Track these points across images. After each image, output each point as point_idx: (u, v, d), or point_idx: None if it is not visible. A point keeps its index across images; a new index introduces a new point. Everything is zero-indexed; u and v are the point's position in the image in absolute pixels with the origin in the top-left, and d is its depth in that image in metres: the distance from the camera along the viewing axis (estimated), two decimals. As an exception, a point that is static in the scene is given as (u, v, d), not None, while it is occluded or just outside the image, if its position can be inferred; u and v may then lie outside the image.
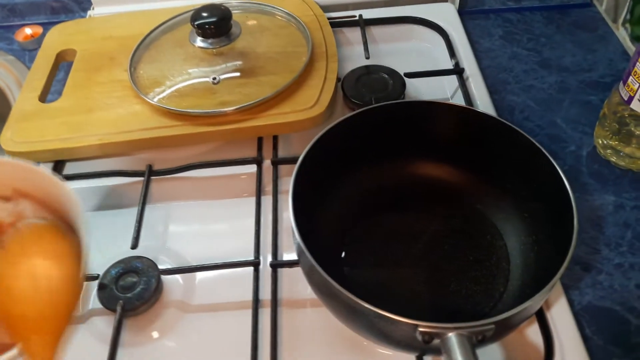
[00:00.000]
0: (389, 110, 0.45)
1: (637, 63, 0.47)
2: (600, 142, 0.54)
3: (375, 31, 0.67)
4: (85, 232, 0.35)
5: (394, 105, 0.46)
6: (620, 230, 0.49)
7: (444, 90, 0.61)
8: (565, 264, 0.35)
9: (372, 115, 0.45)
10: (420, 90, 0.60)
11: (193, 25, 0.55)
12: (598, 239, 0.48)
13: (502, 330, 0.35)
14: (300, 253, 0.37)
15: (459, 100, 0.58)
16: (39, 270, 0.32)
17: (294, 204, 0.39)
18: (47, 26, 0.68)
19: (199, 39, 0.56)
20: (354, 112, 0.45)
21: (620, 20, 0.66)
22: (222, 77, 0.55)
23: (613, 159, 0.53)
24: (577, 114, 0.59)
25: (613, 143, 0.52)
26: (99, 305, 0.44)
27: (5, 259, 0.33)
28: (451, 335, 0.31)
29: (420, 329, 0.32)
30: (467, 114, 0.45)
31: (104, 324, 0.44)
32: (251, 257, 0.46)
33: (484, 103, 0.57)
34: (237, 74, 0.56)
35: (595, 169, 0.54)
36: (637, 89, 0.47)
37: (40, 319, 0.31)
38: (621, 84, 0.50)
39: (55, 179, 0.38)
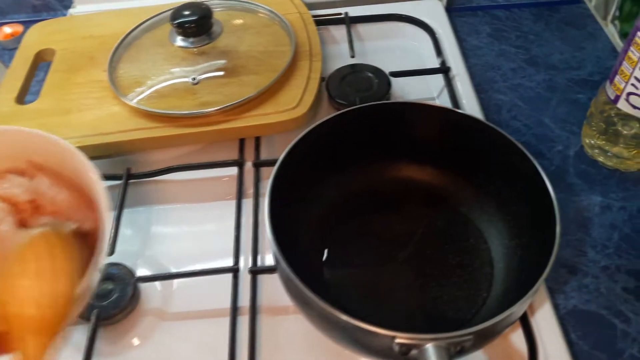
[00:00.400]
0: (371, 111, 0.44)
1: (624, 62, 0.46)
2: (588, 141, 0.53)
3: (361, 29, 0.66)
4: (104, 204, 0.34)
5: (376, 107, 0.45)
6: (607, 232, 0.48)
7: (430, 89, 0.60)
8: (546, 272, 0.34)
9: (353, 116, 0.44)
10: (405, 89, 0.59)
11: (172, 24, 0.54)
12: (584, 240, 0.48)
13: (482, 339, 0.34)
14: (276, 261, 0.36)
15: (444, 100, 0.57)
16: (46, 274, 0.31)
17: (270, 209, 0.38)
18: (28, 25, 0.66)
19: (179, 38, 0.55)
20: (334, 114, 0.44)
21: (610, 17, 0.65)
22: (203, 77, 0.54)
23: (600, 158, 0.52)
24: (565, 112, 0.58)
25: (600, 143, 0.51)
26: (74, 313, 0.43)
27: (17, 257, 0.32)
28: (429, 347, 0.30)
29: (397, 340, 0.31)
30: (449, 115, 0.44)
31: (79, 333, 0.42)
32: (231, 263, 0.45)
33: (470, 102, 0.56)
34: (219, 73, 0.55)
35: (583, 169, 0.53)
36: (624, 88, 0.46)
37: (40, 321, 0.30)
38: (608, 82, 0.49)
39: (73, 149, 0.35)
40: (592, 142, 0.52)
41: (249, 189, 0.51)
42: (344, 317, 0.32)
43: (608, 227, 0.48)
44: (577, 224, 0.49)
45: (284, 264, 0.35)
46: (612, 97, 0.48)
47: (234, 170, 0.51)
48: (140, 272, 0.47)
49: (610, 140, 0.51)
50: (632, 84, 0.46)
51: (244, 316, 0.42)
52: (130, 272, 0.45)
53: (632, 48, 0.45)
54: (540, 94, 0.60)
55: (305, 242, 0.44)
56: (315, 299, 0.33)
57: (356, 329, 0.32)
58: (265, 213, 0.38)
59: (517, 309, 0.34)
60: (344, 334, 0.34)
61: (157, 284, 0.46)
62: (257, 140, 0.53)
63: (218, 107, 0.51)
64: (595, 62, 0.63)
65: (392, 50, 0.65)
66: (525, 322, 0.41)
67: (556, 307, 0.44)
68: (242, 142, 0.53)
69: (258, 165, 0.51)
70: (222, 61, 0.55)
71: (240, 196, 0.49)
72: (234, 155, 0.52)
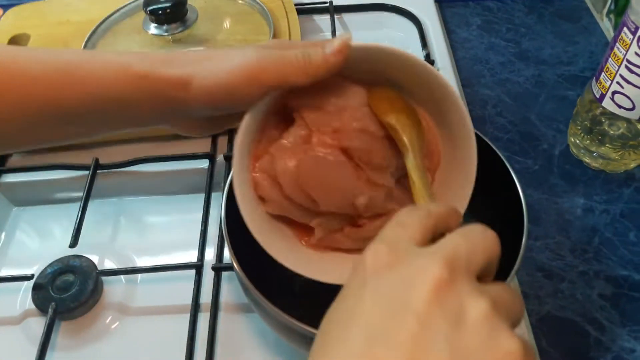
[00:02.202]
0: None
1: (610, 59, 0.44)
2: (573, 140, 0.51)
3: (347, 18, 0.64)
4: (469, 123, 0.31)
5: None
6: (587, 236, 0.46)
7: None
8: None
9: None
10: (388, 82, 0.57)
11: (146, 11, 0.52)
12: (563, 244, 0.46)
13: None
14: (231, 259, 0.35)
15: (427, 94, 0.55)
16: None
17: (227, 204, 0.36)
18: (7, 8, 0.65)
19: (152, 25, 0.53)
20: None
21: (605, 11, 0.63)
22: (176, 66, 0.52)
23: (586, 159, 0.50)
24: (553, 110, 0.56)
25: (585, 143, 0.49)
26: (33, 306, 0.42)
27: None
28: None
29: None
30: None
31: (39, 326, 0.42)
32: (195, 259, 0.44)
33: (452, 97, 0.54)
34: (194, 63, 0.53)
35: (567, 170, 0.51)
36: (609, 86, 0.44)
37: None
38: (594, 80, 0.47)
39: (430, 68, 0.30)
40: (578, 141, 0.50)
41: (220, 183, 0.49)
42: (293, 321, 0.30)
43: (589, 230, 0.47)
44: (557, 226, 0.47)
45: (235, 264, 0.33)
46: (598, 96, 0.46)
47: (205, 163, 0.50)
48: (106, 264, 0.46)
49: (595, 140, 0.49)
50: (618, 82, 0.43)
51: (206, 313, 0.41)
52: (92, 265, 0.44)
53: (618, 45, 0.43)
54: (528, 90, 0.58)
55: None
56: (265, 301, 0.31)
57: (308, 333, 0.30)
58: (222, 208, 0.36)
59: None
60: (298, 338, 0.33)
61: (122, 277, 0.45)
62: (230, 132, 0.51)
63: (190, 98, 0.49)
64: (587, 58, 0.60)
65: (378, 41, 0.63)
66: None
67: (529, 313, 0.42)
68: (214, 134, 0.51)
69: (230, 158, 0.49)
70: (198, 49, 0.54)
71: (209, 190, 0.48)
72: (205, 147, 0.50)
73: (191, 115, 0.30)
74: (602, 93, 0.45)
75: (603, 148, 0.49)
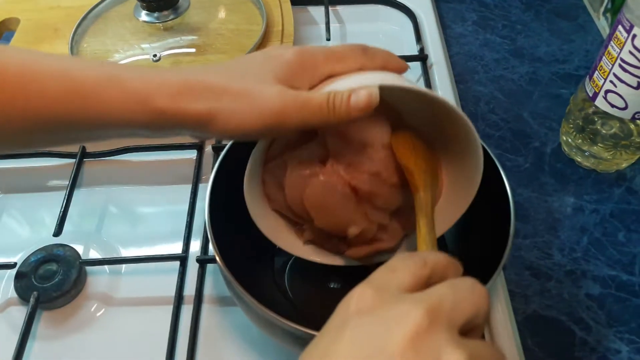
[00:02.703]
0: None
1: (603, 57, 0.43)
2: (565, 139, 0.51)
3: (342, 11, 0.64)
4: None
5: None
6: (576, 235, 0.46)
7: (408, 78, 0.57)
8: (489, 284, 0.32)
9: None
10: (381, 76, 0.57)
11: (137, -2, 0.51)
12: (552, 243, 0.46)
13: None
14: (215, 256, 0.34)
15: (420, 89, 0.55)
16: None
17: (211, 195, 0.36)
18: (-1, -8, 0.64)
19: (143, 12, 0.53)
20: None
21: (602, 9, 0.62)
22: (166, 53, 0.51)
23: (578, 158, 0.50)
24: (546, 108, 0.55)
25: (577, 142, 0.49)
26: (15, 294, 0.41)
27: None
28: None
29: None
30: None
31: (20, 315, 0.41)
32: (179, 251, 0.43)
33: (445, 93, 0.54)
34: (184, 50, 0.53)
35: (558, 168, 0.51)
36: (602, 85, 0.44)
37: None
38: (587, 79, 0.47)
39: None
40: (570, 140, 0.50)
41: (208, 174, 0.49)
42: (274, 315, 0.30)
43: (578, 230, 0.46)
44: (546, 225, 0.47)
45: (217, 256, 0.33)
46: (591, 94, 0.46)
47: (193, 154, 0.49)
48: (91, 254, 0.45)
49: (587, 139, 0.48)
50: (611, 81, 0.43)
51: (189, 305, 0.41)
52: (76, 254, 0.43)
53: (612, 43, 0.42)
54: (522, 87, 0.57)
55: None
56: (246, 295, 0.31)
57: (296, 332, 0.30)
58: (206, 200, 0.36)
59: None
60: (279, 332, 0.32)
61: (106, 267, 0.44)
62: (220, 123, 0.51)
63: (180, 87, 0.49)
64: (583, 56, 0.60)
65: (372, 34, 0.63)
66: (478, 326, 0.39)
67: (515, 311, 0.42)
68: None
69: (218, 149, 0.49)
70: (189, 38, 0.53)
71: (197, 181, 0.47)
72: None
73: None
74: (595, 92, 0.45)
75: (595, 147, 0.48)
